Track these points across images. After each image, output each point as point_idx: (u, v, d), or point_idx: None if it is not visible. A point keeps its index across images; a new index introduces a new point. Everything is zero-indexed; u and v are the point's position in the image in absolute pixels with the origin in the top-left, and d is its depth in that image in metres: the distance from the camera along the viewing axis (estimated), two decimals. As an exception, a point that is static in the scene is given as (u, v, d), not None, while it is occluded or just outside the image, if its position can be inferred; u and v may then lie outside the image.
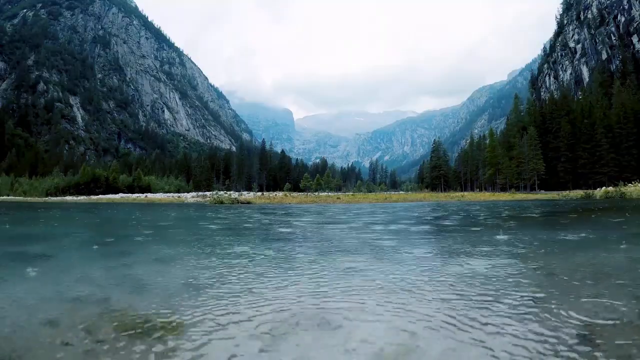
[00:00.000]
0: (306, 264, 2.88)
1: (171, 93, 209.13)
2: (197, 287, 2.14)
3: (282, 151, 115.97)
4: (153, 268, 2.80)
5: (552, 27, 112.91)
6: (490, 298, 1.84)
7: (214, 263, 2.95)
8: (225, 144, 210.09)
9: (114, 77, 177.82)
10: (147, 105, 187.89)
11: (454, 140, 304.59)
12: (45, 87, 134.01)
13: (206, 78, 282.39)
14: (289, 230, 6.00)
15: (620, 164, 51.13)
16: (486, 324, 1.47)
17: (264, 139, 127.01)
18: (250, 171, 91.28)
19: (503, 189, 55.64)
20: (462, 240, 4.28)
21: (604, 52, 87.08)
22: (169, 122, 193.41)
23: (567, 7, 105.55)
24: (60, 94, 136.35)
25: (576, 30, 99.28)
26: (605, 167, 51.71)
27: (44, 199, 41.27)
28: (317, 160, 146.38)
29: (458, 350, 1.23)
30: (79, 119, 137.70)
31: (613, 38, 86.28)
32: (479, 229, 5.95)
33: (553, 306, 1.69)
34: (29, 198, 43.49)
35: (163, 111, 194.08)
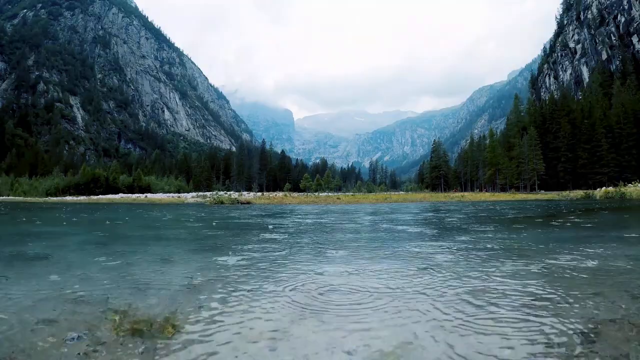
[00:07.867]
0: (306, 262, 2.87)
1: (171, 93, 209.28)
2: (197, 287, 2.13)
3: (282, 151, 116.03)
4: (153, 268, 2.79)
5: (552, 28, 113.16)
6: (490, 297, 1.83)
7: (214, 263, 2.94)
8: (225, 144, 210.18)
9: (114, 77, 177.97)
10: (147, 105, 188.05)
11: (454, 141, 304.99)
12: (45, 87, 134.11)
13: (206, 78, 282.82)
14: (285, 229, 5.99)
15: (620, 164, 51.18)
16: (486, 323, 1.46)
17: (264, 139, 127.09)
18: (250, 171, 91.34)
19: (503, 189, 55.65)
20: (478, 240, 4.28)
21: (604, 52, 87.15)
22: (169, 122, 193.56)
23: (567, 8, 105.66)
24: (60, 94, 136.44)
25: (576, 30, 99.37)
26: (605, 167, 51.76)
27: (43, 199, 41.24)
28: (317, 161, 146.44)
29: (458, 348, 1.23)
30: (79, 119, 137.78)
31: (613, 38, 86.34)
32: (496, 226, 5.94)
33: (553, 305, 1.69)
34: (29, 198, 43.48)
35: (163, 111, 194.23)
